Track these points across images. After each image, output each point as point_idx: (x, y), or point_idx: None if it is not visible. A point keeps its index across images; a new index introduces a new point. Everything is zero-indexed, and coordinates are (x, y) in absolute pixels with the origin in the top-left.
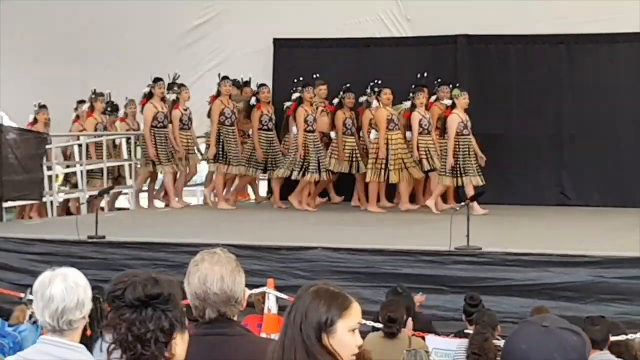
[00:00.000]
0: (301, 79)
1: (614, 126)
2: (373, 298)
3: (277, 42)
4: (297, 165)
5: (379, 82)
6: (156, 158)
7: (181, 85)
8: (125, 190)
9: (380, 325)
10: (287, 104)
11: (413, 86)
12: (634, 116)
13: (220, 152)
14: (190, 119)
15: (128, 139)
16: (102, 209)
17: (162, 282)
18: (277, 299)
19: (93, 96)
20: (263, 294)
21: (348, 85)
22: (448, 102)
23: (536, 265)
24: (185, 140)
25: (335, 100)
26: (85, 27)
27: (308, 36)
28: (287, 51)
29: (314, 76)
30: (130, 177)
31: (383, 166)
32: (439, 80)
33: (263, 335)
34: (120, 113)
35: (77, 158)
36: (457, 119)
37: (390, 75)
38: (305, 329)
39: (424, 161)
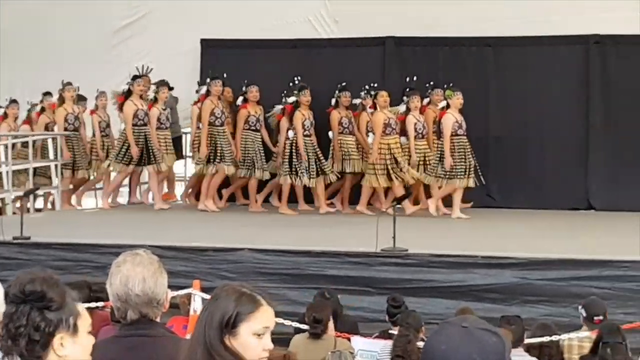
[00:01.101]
0: (224, 75)
1: (540, 128)
2: (299, 299)
3: (204, 42)
4: (296, 169)
5: (375, 84)
6: (137, 157)
7: (160, 85)
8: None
9: (306, 327)
10: (278, 107)
11: (407, 89)
12: (559, 119)
13: (212, 153)
14: (167, 118)
15: (54, 138)
16: (28, 209)
17: (41, 280)
18: (203, 300)
19: (61, 87)
20: (189, 296)
21: (344, 84)
22: (442, 103)
23: (461, 267)
24: (163, 139)
25: (333, 101)
26: (11, 27)
27: (236, 37)
28: (214, 52)
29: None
30: (57, 177)
31: (379, 171)
32: (432, 83)
33: (189, 336)
34: (91, 105)
35: (2, 158)
36: (451, 119)
37: (318, 77)
38: (209, 328)
39: (420, 166)
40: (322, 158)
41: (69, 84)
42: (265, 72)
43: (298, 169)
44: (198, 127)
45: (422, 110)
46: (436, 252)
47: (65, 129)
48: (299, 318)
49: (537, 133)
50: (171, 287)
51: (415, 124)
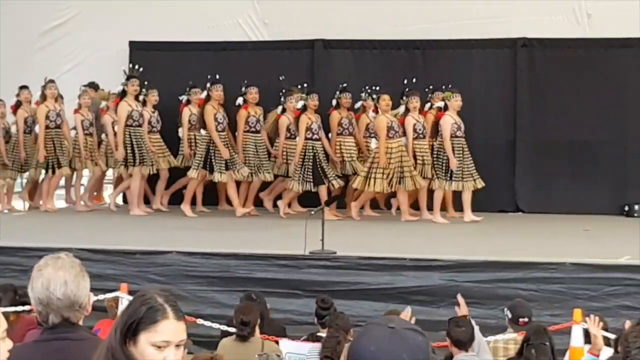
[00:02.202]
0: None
1: (468, 130)
2: (227, 302)
3: (132, 45)
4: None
5: (377, 88)
6: (124, 159)
7: (150, 87)
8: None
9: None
10: (279, 109)
11: (407, 89)
12: (487, 121)
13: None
14: (158, 120)
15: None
16: None
17: None
18: None
19: (43, 84)
20: (116, 299)
21: (345, 85)
22: (440, 104)
23: (389, 269)
24: (156, 142)
25: (334, 102)
26: None
27: (165, 39)
28: (143, 54)
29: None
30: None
31: (384, 175)
32: (431, 87)
33: None
34: (73, 104)
35: None
36: (450, 120)
37: (247, 79)
38: (115, 331)
39: (419, 167)
40: (324, 165)
41: (51, 81)
42: (194, 74)
43: (304, 174)
44: (189, 130)
45: (423, 114)
46: (364, 255)
47: (47, 127)
48: (227, 321)
49: (467, 135)
50: (99, 290)
51: (415, 124)
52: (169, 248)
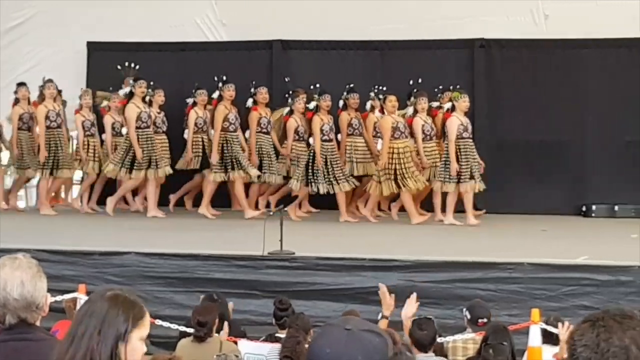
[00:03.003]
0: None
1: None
2: (186, 303)
3: (91, 45)
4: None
5: (384, 88)
6: (142, 161)
7: (155, 88)
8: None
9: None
10: (286, 110)
11: (415, 90)
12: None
13: (228, 160)
14: (164, 121)
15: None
16: None
17: None
18: None
19: (42, 84)
20: (74, 300)
21: (352, 85)
22: (447, 104)
23: (348, 270)
24: (160, 144)
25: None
26: None
27: (124, 40)
28: (101, 55)
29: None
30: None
31: (387, 177)
32: (441, 87)
33: None
34: (74, 104)
35: None
36: (456, 121)
37: (206, 80)
38: (105, 336)
39: (429, 169)
40: (340, 165)
41: (50, 80)
42: (153, 75)
43: (315, 176)
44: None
45: (433, 115)
46: (323, 255)
47: (48, 127)
48: (186, 322)
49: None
50: (57, 291)
51: (423, 125)
52: (127, 249)
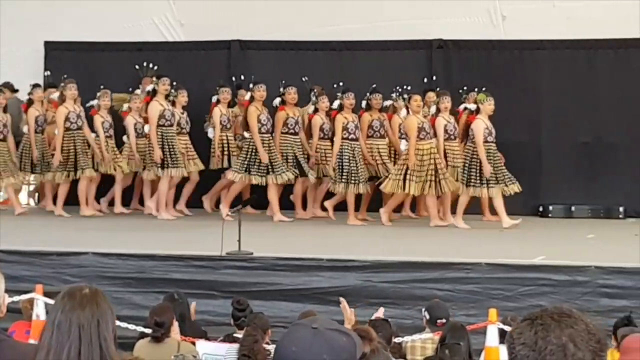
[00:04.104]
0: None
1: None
2: (144, 303)
3: (48, 45)
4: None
5: (408, 87)
6: (161, 161)
7: (178, 88)
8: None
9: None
10: (311, 109)
11: (437, 89)
12: None
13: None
14: (187, 122)
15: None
16: None
17: None
18: (46, 305)
19: (62, 84)
20: (31, 300)
21: (374, 86)
22: (472, 106)
23: (306, 270)
24: (184, 144)
25: (364, 103)
26: None
27: (81, 39)
28: (58, 54)
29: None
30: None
31: (410, 177)
32: (465, 88)
33: (32, 342)
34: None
35: None
36: (482, 125)
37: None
38: (103, 334)
39: (449, 169)
40: (360, 166)
41: (71, 81)
42: (110, 75)
43: (352, 176)
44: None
45: (458, 115)
46: (281, 255)
47: (68, 129)
48: (144, 322)
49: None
50: (14, 291)
51: (446, 125)
52: (84, 249)
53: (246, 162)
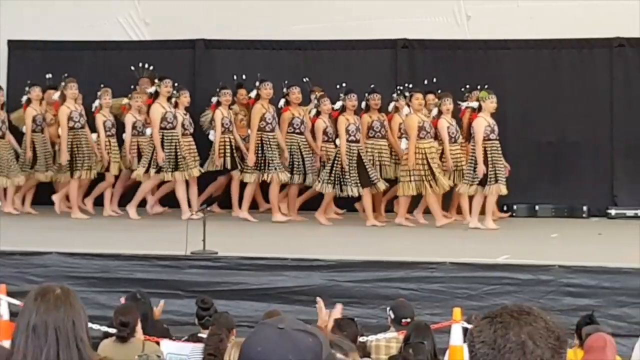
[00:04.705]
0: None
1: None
2: (108, 303)
3: (11, 44)
4: (334, 178)
5: (410, 85)
6: (163, 163)
7: (180, 89)
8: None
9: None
10: (313, 111)
11: (439, 91)
12: None
13: (262, 161)
14: (191, 123)
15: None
16: None
17: None
18: (10, 305)
19: (63, 84)
20: None
21: (372, 86)
22: (474, 104)
23: (271, 270)
24: (187, 146)
25: (363, 104)
26: None
27: (46, 38)
28: (22, 53)
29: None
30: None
31: (415, 178)
32: (468, 86)
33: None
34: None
35: None
36: (483, 122)
37: (128, 80)
38: (79, 335)
39: (454, 172)
40: (369, 166)
41: (72, 80)
42: (75, 74)
43: (341, 177)
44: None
45: (461, 114)
46: (246, 255)
47: (72, 128)
48: (109, 322)
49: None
50: None
51: (449, 127)
52: (48, 249)
53: (260, 162)
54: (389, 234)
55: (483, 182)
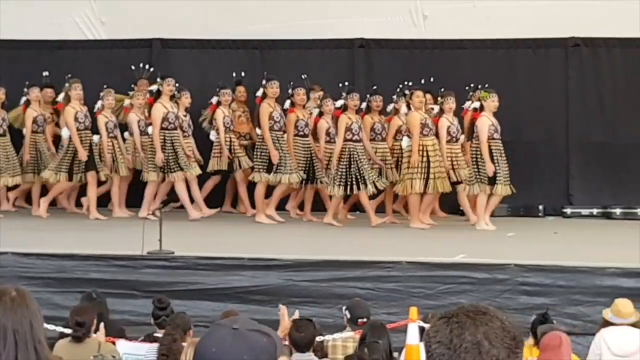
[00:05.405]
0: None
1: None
2: (64, 303)
3: None
4: (337, 179)
5: (410, 84)
6: (162, 164)
7: (181, 89)
8: None
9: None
10: (315, 111)
11: (442, 89)
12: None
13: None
14: (190, 125)
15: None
16: None
17: None
18: None
19: (67, 84)
20: None
21: (375, 87)
22: (476, 104)
23: (228, 269)
24: (188, 146)
25: (364, 105)
26: None
27: (2, 37)
28: None
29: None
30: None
31: (419, 175)
32: (472, 85)
33: None
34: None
35: None
36: (487, 122)
37: (86, 78)
38: (37, 337)
39: (450, 172)
40: (367, 167)
41: (76, 81)
42: (31, 73)
43: (354, 177)
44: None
45: (463, 113)
46: (202, 255)
47: (76, 129)
48: (65, 322)
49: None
50: None
51: (449, 127)
52: (3, 249)
53: (261, 162)
54: (345, 234)
55: (491, 182)
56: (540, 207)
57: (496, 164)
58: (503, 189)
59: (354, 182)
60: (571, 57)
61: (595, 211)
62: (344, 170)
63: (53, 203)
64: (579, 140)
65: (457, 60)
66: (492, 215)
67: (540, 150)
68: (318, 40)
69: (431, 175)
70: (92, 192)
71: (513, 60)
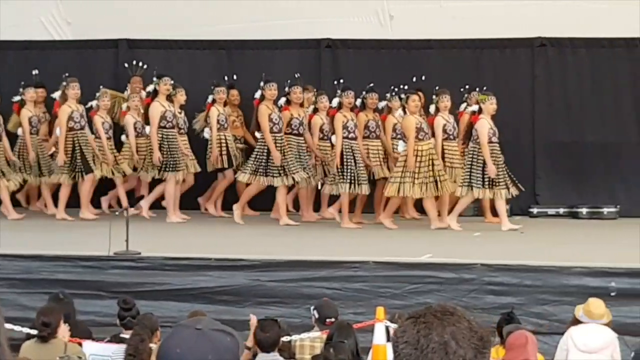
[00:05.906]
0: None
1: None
2: (30, 304)
3: None
4: (338, 178)
5: (406, 87)
6: (159, 163)
7: (176, 87)
8: None
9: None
10: (311, 108)
11: (436, 88)
12: None
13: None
14: (185, 122)
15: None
16: None
17: None
18: None
19: (64, 84)
20: None
21: (371, 85)
22: (474, 107)
23: (195, 270)
24: (184, 145)
25: (358, 102)
26: None
27: None
28: None
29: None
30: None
31: (410, 179)
32: (467, 86)
33: None
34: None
35: None
36: (486, 124)
37: (52, 79)
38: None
39: (447, 170)
40: (362, 167)
41: (73, 80)
42: None
43: (354, 176)
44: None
45: (459, 115)
46: (169, 255)
47: (72, 129)
48: (31, 323)
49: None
50: None
51: (445, 125)
52: None
53: (256, 163)
54: (313, 234)
55: (491, 185)
56: (507, 206)
57: (498, 167)
58: (506, 192)
59: (354, 181)
60: (537, 57)
61: (561, 211)
62: (349, 167)
63: (18, 204)
64: (545, 140)
65: (424, 61)
66: (458, 215)
67: (506, 150)
68: (285, 41)
69: (439, 179)
70: (65, 193)
71: (479, 60)
